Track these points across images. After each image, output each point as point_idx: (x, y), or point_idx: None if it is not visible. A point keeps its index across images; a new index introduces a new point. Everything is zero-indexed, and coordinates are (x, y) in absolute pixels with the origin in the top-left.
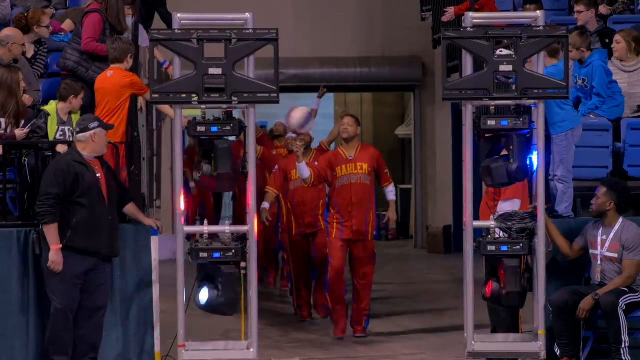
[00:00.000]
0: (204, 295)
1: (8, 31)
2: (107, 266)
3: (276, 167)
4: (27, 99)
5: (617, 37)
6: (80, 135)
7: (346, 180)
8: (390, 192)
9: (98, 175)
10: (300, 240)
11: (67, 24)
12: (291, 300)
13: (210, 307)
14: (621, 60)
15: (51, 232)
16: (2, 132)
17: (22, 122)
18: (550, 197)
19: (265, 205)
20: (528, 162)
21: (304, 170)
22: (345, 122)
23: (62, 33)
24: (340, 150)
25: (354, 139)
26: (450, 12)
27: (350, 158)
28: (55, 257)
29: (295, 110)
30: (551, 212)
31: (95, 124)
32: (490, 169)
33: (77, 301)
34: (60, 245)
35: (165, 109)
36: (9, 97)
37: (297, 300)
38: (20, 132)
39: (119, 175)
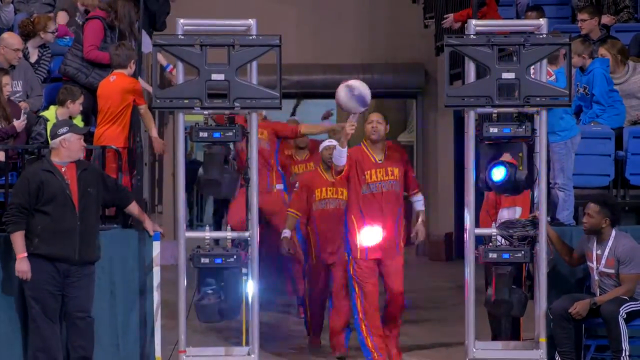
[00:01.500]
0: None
1: (4, 35)
2: (85, 271)
3: (297, 184)
4: (23, 105)
5: (601, 50)
6: (51, 141)
7: (377, 189)
8: (419, 201)
9: (68, 182)
10: (320, 269)
11: (61, 16)
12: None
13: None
14: (611, 73)
15: (15, 241)
16: None
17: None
18: (551, 205)
19: (287, 233)
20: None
21: (343, 156)
22: (373, 119)
23: (67, 37)
24: (366, 151)
25: (383, 140)
26: (449, 19)
27: (380, 162)
28: (19, 266)
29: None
30: (552, 219)
31: (65, 129)
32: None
33: (56, 307)
34: (25, 254)
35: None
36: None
37: (313, 330)
38: (18, 123)
39: (120, 180)
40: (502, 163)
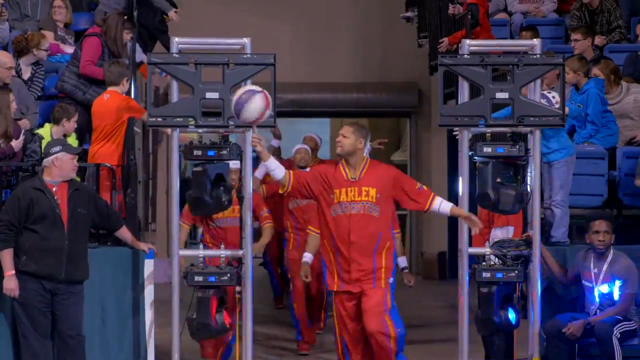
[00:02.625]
0: None
1: None
2: (73, 289)
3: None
4: (23, 123)
5: (595, 70)
6: (44, 160)
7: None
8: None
9: (58, 201)
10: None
11: (48, 35)
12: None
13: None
14: (605, 94)
15: (3, 258)
16: None
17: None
18: (544, 225)
19: (308, 258)
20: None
21: (275, 169)
22: (340, 133)
23: (59, 54)
24: (341, 167)
25: (353, 154)
26: (444, 43)
27: (353, 180)
28: (7, 284)
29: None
30: (546, 239)
31: (57, 148)
32: (498, 194)
33: (46, 324)
34: (13, 272)
35: None
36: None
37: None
38: (16, 143)
39: (114, 198)
40: None
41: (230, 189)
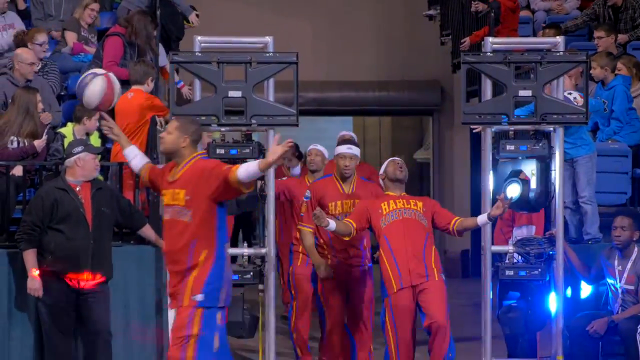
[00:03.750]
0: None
1: (17, 50)
2: (98, 289)
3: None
4: (45, 117)
5: (618, 65)
6: (66, 160)
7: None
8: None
9: (82, 201)
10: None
11: (70, 36)
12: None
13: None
14: None
15: (27, 258)
16: (16, 148)
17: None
18: (568, 224)
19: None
20: (549, 188)
21: (133, 159)
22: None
23: (82, 54)
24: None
25: (176, 153)
26: (466, 43)
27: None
28: (30, 284)
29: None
30: (580, 236)
31: (80, 148)
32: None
33: (69, 323)
34: (37, 272)
35: None
36: (26, 117)
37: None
38: (38, 142)
39: (137, 197)
40: (516, 180)
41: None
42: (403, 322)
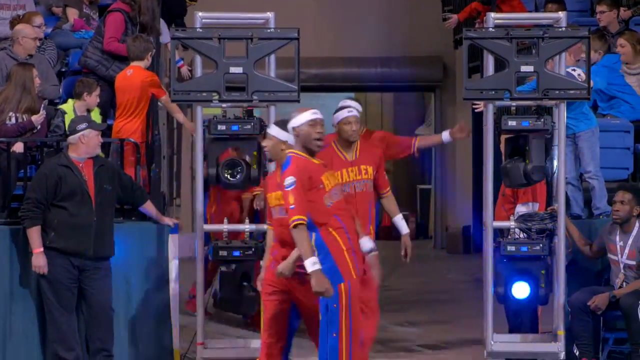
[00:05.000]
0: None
1: (18, 26)
2: (100, 265)
3: None
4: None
5: (621, 40)
6: (70, 137)
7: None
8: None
9: (85, 178)
10: None
11: (72, 12)
12: None
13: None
14: (627, 64)
15: (31, 235)
16: (14, 124)
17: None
18: (570, 200)
19: None
20: (547, 164)
21: None
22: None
23: (83, 30)
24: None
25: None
26: (453, 20)
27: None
28: (35, 261)
29: None
30: (589, 211)
31: (84, 125)
32: (507, 169)
33: (71, 299)
34: (41, 249)
35: (175, 112)
36: (23, 93)
37: None
38: (36, 117)
39: (138, 173)
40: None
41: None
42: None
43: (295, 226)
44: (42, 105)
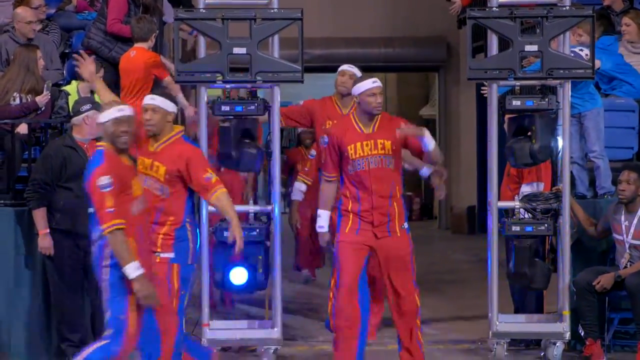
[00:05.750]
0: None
1: (17, 9)
2: None
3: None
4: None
5: (625, 19)
6: (74, 119)
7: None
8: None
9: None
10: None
11: None
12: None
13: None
14: (631, 42)
15: (37, 217)
16: (18, 104)
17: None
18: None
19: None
20: (552, 143)
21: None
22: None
23: (86, 11)
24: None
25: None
26: (457, 4)
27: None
28: (42, 243)
29: None
30: (595, 191)
31: (88, 106)
32: (513, 149)
33: (77, 280)
34: (47, 230)
35: (178, 92)
36: (27, 74)
37: None
38: (40, 98)
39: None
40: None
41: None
42: None
43: (112, 232)
44: (46, 86)
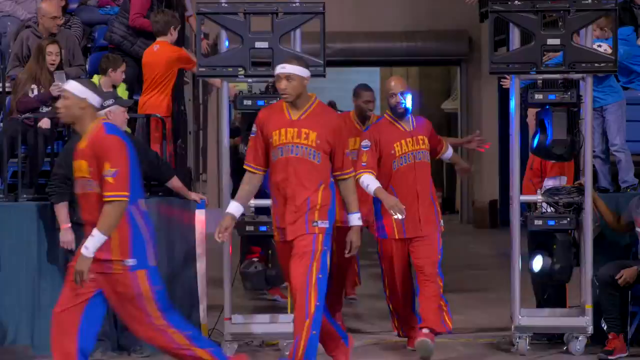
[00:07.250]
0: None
1: (41, 4)
2: None
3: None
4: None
5: None
6: (97, 113)
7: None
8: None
9: None
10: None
11: None
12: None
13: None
14: None
15: (59, 211)
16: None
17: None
18: (598, 174)
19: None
20: (576, 137)
21: None
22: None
23: (109, 6)
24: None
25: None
26: None
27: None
28: (63, 237)
29: None
30: (617, 184)
31: (111, 101)
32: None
33: None
34: (69, 225)
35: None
36: (36, 66)
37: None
38: (52, 88)
39: (164, 149)
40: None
41: None
42: None
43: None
44: (57, 76)
